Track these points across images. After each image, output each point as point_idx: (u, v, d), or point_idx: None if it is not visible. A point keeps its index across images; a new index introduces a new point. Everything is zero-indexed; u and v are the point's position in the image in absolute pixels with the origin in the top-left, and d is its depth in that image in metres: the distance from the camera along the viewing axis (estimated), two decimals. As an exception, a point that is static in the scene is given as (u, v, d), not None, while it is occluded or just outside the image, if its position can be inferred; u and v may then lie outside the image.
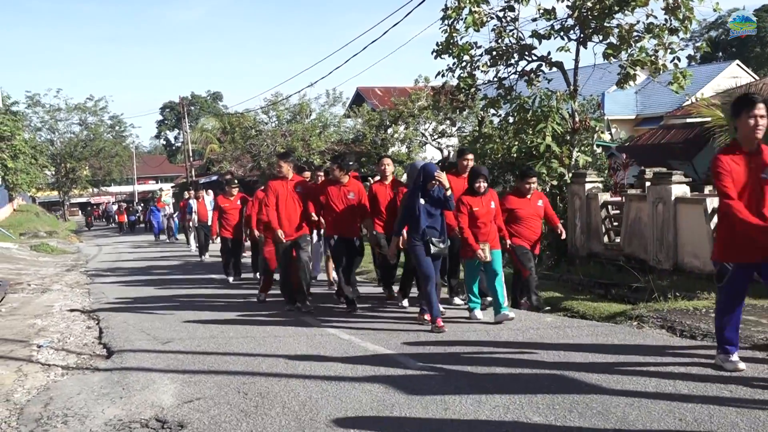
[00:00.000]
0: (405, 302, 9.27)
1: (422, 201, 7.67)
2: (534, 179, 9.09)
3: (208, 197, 18.11)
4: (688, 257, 10.50)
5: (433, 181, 7.60)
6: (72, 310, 10.48)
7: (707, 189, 10.86)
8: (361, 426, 4.70)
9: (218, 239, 14.66)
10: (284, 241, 9.24)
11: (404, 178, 10.79)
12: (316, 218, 9.51)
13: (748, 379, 5.18)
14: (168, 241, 27.97)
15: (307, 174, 11.76)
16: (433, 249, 7.61)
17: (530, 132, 11.29)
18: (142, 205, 50.63)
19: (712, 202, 10.25)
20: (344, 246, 9.17)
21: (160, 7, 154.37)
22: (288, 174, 9.37)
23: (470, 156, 9.25)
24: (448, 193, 7.66)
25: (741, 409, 4.58)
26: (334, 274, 10.67)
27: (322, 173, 11.34)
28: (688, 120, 23.05)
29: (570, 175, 11.53)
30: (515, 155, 11.72)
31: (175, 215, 28.02)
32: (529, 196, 8.96)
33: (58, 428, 5.07)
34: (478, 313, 8.16)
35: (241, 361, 6.65)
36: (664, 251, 10.82)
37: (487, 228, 8.14)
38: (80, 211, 74.83)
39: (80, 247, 28.52)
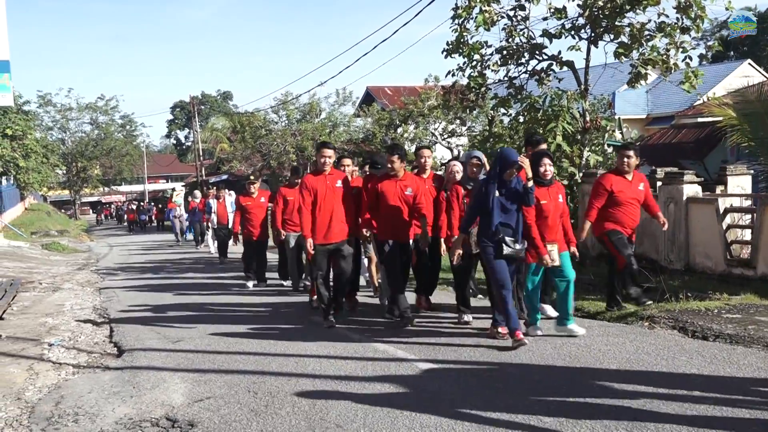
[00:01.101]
0: (468, 317, 7.93)
1: (497, 193, 6.60)
2: (632, 153, 8.05)
3: (230, 198, 17.34)
4: (700, 257, 10.44)
5: (513, 170, 6.55)
6: (85, 321, 10.48)
7: (719, 189, 10.78)
8: (370, 426, 4.70)
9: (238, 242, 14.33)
10: (316, 248, 8.06)
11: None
12: (363, 221, 8.23)
13: (762, 381, 5.15)
14: (177, 242, 26.50)
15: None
16: (506, 250, 6.57)
17: (541, 131, 11.24)
18: (152, 204, 50.75)
19: (724, 203, 10.18)
20: (400, 252, 8.10)
21: (170, 6, 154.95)
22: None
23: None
24: (530, 184, 6.59)
25: (754, 410, 4.55)
26: (377, 280, 9.61)
27: (346, 166, 9.62)
28: (700, 119, 22.94)
29: (581, 174, 11.50)
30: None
31: (183, 217, 26.20)
32: (630, 177, 8.01)
33: (68, 427, 5.09)
34: (537, 329, 7.14)
35: (252, 361, 6.65)
36: (675, 251, 10.76)
37: (556, 226, 7.07)
38: (91, 210, 75.23)
39: (91, 246, 28.63)
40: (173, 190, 30.00)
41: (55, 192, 58.86)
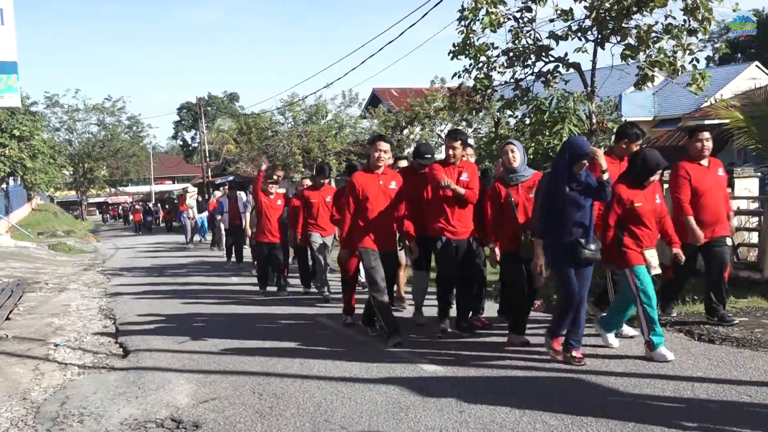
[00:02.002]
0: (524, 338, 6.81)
1: (567, 189, 5.82)
2: (709, 135, 7.03)
3: (242, 198, 16.38)
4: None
5: (584, 161, 5.84)
6: (91, 322, 10.50)
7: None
8: (375, 428, 4.69)
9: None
10: (363, 255, 7.19)
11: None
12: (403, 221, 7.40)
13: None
14: (187, 245, 25.15)
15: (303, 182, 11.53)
16: (584, 254, 5.77)
17: (547, 133, 11.22)
18: (158, 205, 50.80)
19: (731, 205, 10.13)
20: (456, 252, 7.20)
21: (177, 7, 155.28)
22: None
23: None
24: (605, 176, 5.83)
25: (761, 414, 4.53)
26: (403, 289, 8.88)
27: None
28: (707, 122, 22.86)
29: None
30: (532, 156, 11.67)
31: (197, 219, 25.26)
32: (706, 163, 6.98)
33: (74, 427, 5.10)
34: (612, 339, 6.46)
35: (257, 362, 6.65)
36: (682, 254, 10.71)
37: (656, 230, 6.19)
38: (97, 211, 75.49)
39: (98, 247, 28.70)
40: (185, 190, 28.38)
41: (62, 193, 59.12)
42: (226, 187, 18.83)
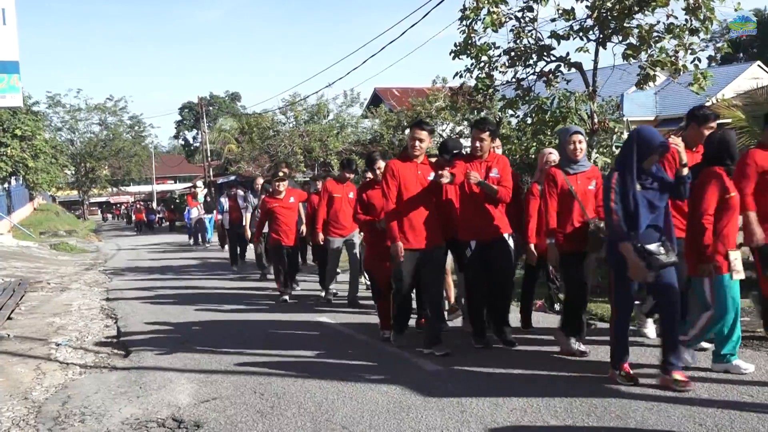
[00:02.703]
0: (581, 346, 6.26)
1: (638, 186, 5.07)
2: None
3: (242, 195, 15.87)
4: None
5: (655, 155, 5.12)
6: (92, 321, 10.50)
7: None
8: (376, 427, 4.69)
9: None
10: (401, 256, 6.50)
11: None
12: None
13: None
14: (192, 245, 24.72)
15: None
16: (661, 259, 5.02)
17: (549, 133, 11.20)
18: (162, 206, 50.81)
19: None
20: (483, 256, 6.60)
21: (179, 7, 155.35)
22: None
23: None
24: (684, 171, 5.17)
25: (762, 414, 4.52)
26: (453, 295, 8.11)
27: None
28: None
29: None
30: (533, 156, 11.67)
31: (206, 218, 24.31)
32: None
33: (75, 427, 5.10)
34: (744, 365, 5.46)
35: (258, 362, 6.65)
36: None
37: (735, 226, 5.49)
38: (99, 210, 75.59)
39: (99, 246, 28.72)
40: (195, 186, 26.95)
41: (64, 192, 59.18)
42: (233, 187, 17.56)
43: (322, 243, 9.92)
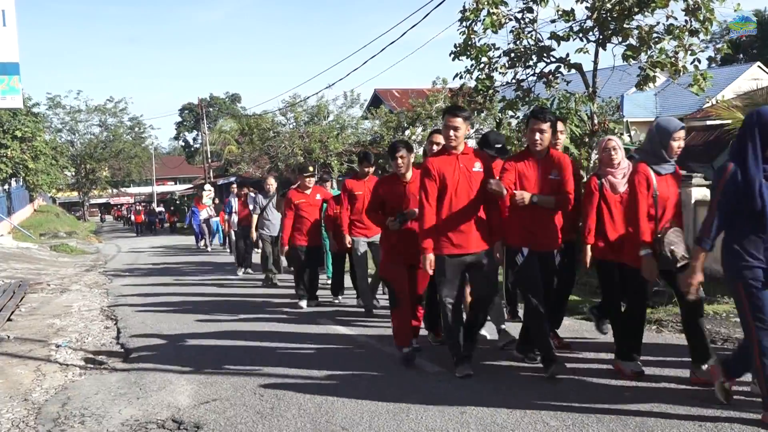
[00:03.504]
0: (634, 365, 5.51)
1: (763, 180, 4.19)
2: None
3: (252, 196, 14.86)
4: (708, 261, 10.38)
5: None
6: (92, 323, 10.49)
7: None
8: (376, 428, 4.69)
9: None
10: (445, 260, 5.71)
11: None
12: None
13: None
14: (200, 248, 24.19)
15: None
16: None
17: (548, 134, 11.24)
18: (162, 206, 50.84)
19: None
20: (538, 265, 5.73)
21: (180, 8, 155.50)
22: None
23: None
24: None
25: (761, 414, 4.51)
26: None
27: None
28: (708, 122, 22.85)
29: (588, 177, 11.39)
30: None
31: (211, 217, 23.62)
32: None
33: (75, 428, 5.10)
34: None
35: (258, 363, 6.65)
36: (683, 255, 10.70)
37: None
38: (98, 211, 75.69)
39: (99, 248, 28.72)
40: (202, 189, 25.96)
41: (64, 194, 59.27)
42: (234, 186, 16.90)
43: (349, 246, 9.10)
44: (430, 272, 5.75)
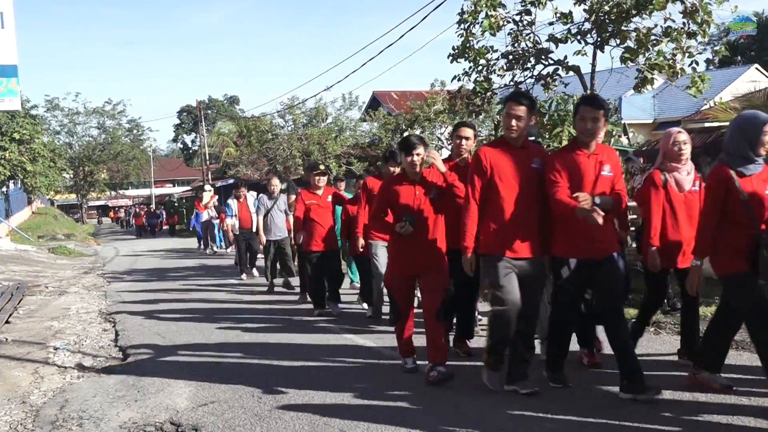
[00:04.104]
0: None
1: None
2: None
3: (252, 197, 14.87)
4: (706, 263, 10.39)
5: None
6: (90, 325, 10.48)
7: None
8: (374, 431, 4.69)
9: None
10: (472, 270, 5.30)
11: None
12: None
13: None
14: (202, 250, 23.77)
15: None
16: None
17: (547, 136, 11.22)
18: (162, 208, 50.78)
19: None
20: (584, 278, 5.10)
21: (179, 11, 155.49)
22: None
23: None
24: None
25: (759, 418, 4.52)
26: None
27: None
28: (706, 124, 22.86)
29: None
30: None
31: (212, 218, 22.94)
32: None
33: (73, 431, 5.09)
34: None
35: (256, 365, 6.65)
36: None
37: None
38: (96, 213, 75.69)
39: (98, 250, 28.70)
40: (203, 190, 25.17)
41: (62, 196, 59.32)
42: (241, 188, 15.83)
43: (361, 250, 8.53)
44: (471, 274, 5.33)
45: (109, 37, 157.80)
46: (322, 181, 9.47)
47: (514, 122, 5.11)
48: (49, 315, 10.39)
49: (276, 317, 9.54)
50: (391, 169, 7.86)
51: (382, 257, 8.04)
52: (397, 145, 6.00)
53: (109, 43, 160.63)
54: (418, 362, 6.11)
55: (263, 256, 12.69)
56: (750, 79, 27.73)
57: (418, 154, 5.77)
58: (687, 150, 5.57)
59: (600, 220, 4.70)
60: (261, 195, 12.74)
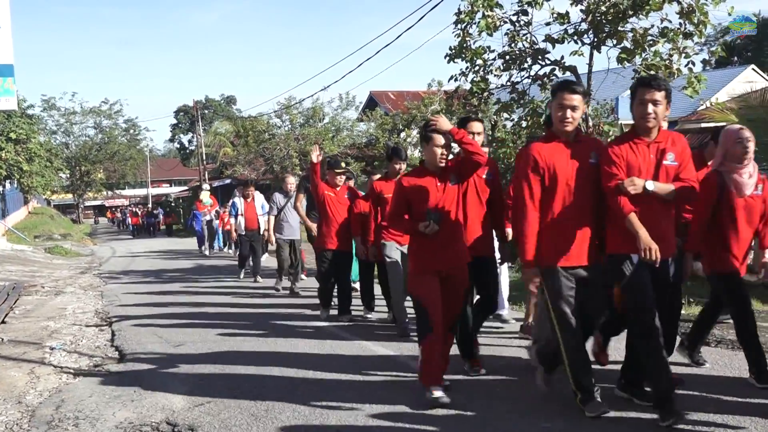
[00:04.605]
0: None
1: None
2: None
3: (260, 198, 14.33)
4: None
5: None
6: (87, 325, 10.47)
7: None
8: None
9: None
10: (535, 286, 4.71)
11: None
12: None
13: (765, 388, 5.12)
14: (202, 252, 22.98)
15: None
16: None
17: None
18: (159, 208, 50.74)
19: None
20: (649, 276, 4.44)
21: (176, 10, 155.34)
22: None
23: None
24: None
25: (755, 417, 4.53)
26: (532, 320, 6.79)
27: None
28: (703, 125, 22.91)
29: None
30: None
31: (214, 222, 22.29)
32: None
33: (69, 431, 5.08)
34: None
35: (253, 365, 6.64)
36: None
37: None
38: (93, 213, 75.60)
39: (94, 250, 28.67)
40: (200, 189, 24.62)
41: (59, 196, 59.20)
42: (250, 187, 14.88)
43: (373, 258, 8.27)
44: (535, 291, 4.80)
45: (106, 37, 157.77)
46: (341, 180, 8.95)
47: (569, 113, 4.58)
48: (45, 315, 10.37)
49: (273, 317, 9.51)
50: (396, 166, 7.70)
51: (392, 258, 7.65)
52: (420, 134, 5.28)
53: (106, 43, 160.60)
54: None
55: (276, 257, 12.11)
56: (746, 80, 27.76)
57: (441, 146, 5.21)
58: (751, 149, 5.08)
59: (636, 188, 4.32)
60: (275, 192, 12.25)
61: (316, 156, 8.66)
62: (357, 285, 9.74)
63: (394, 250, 7.60)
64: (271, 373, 6.28)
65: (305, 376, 6.15)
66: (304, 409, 5.19)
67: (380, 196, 7.76)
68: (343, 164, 9.38)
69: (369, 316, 8.88)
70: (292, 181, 12.09)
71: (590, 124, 10.92)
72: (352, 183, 10.10)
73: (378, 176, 8.49)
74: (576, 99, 4.58)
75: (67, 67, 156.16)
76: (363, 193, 9.11)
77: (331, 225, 8.75)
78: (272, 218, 11.92)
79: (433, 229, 5.03)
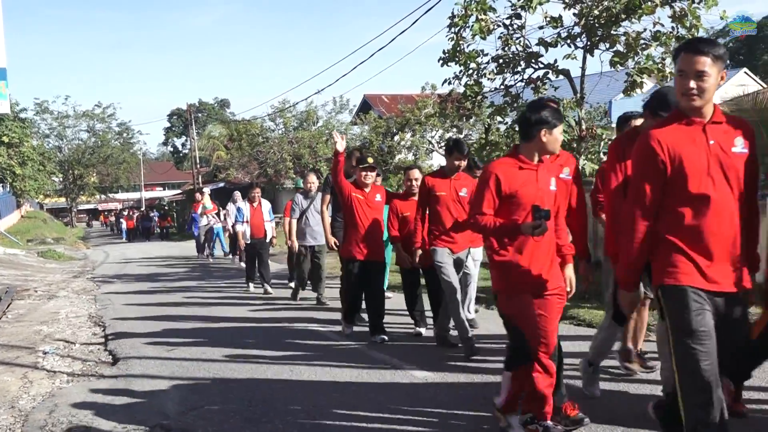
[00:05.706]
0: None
1: None
2: None
3: (266, 204, 13.10)
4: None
5: None
6: (80, 329, 10.43)
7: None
8: (365, 435, 4.69)
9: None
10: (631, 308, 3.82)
11: None
12: None
13: (764, 389, 5.13)
14: (201, 257, 21.90)
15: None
16: None
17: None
18: (154, 211, 50.58)
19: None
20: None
21: (169, 14, 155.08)
22: (705, 107, 3.36)
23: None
24: None
25: (753, 416, 4.54)
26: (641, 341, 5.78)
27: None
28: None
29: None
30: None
31: (215, 227, 21.10)
32: None
33: (62, 435, 5.07)
34: None
35: (247, 369, 6.64)
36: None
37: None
38: (86, 217, 75.44)
39: (87, 254, 28.59)
40: (201, 191, 23.19)
41: (52, 200, 59.01)
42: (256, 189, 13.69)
43: (413, 264, 7.30)
44: (630, 310, 3.95)
45: (99, 40, 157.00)
46: (370, 177, 7.72)
47: (692, 84, 3.29)
48: (38, 319, 10.33)
49: (262, 315, 9.53)
50: (456, 163, 6.77)
51: (450, 268, 6.67)
52: (535, 117, 4.39)
53: (98, 46, 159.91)
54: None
55: (294, 262, 11.38)
56: (739, 83, 27.86)
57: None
58: None
59: None
60: (296, 194, 11.05)
61: (340, 143, 7.43)
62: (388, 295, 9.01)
63: (446, 256, 6.69)
64: (265, 378, 6.27)
65: (299, 379, 6.15)
66: (298, 412, 5.19)
67: (431, 192, 6.78)
68: (370, 159, 8.12)
69: (421, 330, 7.73)
70: (313, 180, 10.85)
71: (583, 127, 10.95)
72: (380, 180, 8.92)
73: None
74: (704, 62, 3.27)
75: (60, 71, 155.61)
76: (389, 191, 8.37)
77: (359, 232, 7.60)
78: (294, 222, 10.80)
79: (543, 230, 4.10)
